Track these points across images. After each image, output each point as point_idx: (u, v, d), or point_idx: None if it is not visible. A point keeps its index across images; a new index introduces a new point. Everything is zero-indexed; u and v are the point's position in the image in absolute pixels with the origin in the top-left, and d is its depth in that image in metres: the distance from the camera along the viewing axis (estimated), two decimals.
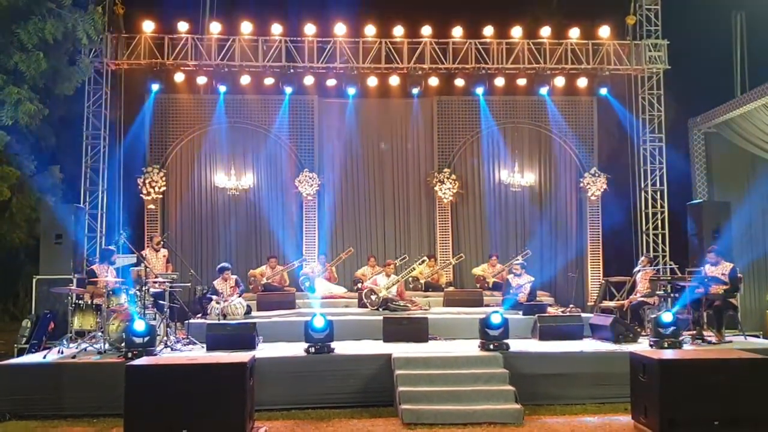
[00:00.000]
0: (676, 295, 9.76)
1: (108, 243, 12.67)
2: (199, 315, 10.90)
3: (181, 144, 14.10)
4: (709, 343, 9.18)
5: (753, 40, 13.77)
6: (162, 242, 12.17)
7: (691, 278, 9.87)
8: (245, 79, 13.64)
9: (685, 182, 14.29)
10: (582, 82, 14.04)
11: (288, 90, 13.64)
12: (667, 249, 13.81)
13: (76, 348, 8.54)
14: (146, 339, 8.13)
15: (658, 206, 13.99)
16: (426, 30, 13.57)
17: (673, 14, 13.99)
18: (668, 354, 7.42)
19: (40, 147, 14.74)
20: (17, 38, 10.37)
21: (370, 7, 13.87)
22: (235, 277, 11.34)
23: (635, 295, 11.04)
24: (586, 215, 14.42)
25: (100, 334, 8.66)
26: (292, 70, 13.46)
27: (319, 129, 14.40)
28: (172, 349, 8.94)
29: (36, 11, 10.48)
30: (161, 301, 9.54)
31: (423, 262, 12.68)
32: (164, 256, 11.97)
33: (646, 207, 14.05)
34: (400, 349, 8.55)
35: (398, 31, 13.53)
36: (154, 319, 8.96)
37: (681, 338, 8.82)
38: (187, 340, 9.44)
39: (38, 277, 11.42)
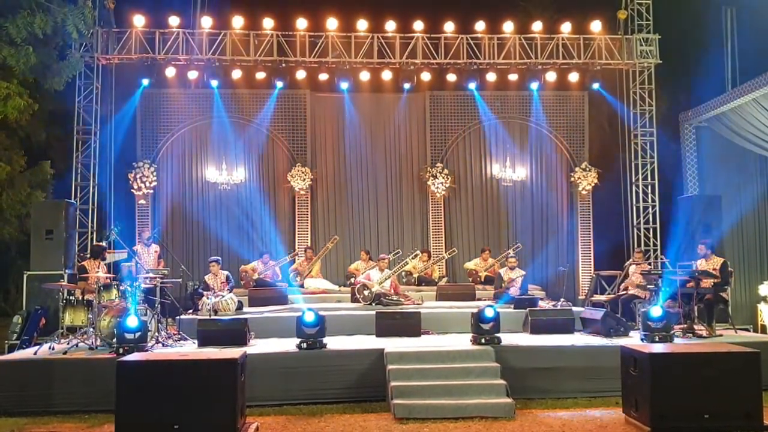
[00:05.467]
0: (667, 289, 9.82)
1: (99, 239, 12.63)
2: (190, 311, 10.87)
3: (171, 139, 14.05)
4: (700, 337, 9.21)
5: (743, 35, 13.81)
6: (152, 237, 12.13)
7: (682, 272, 9.90)
8: (237, 74, 13.59)
9: (676, 176, 14.35)
10: (573, 77, 14.04)
11: (280, 84, 13.62)
12: (658, 243, 13.88)
13: (67, 344, 8.50)
14: (137, 335, 8.11)
15: (649, 200, 14.05)
16: (418, 25, 13.56)
17: (664, 9, 14.02)
18: (659, 348, 7.43)
19: (30, 142, 14.69)
20: (6, 32, 10.31)
21: (362, 1, 13.86)
22: (225, 272, 11.29)
23: (626, 287, 11.06)
24: (577, 209, 14.47)
25: (91, 330, 8.63)
26: (283, 65, 13.43)
27: (311, 123, 14.37)
28: (163, 345, 8.91)
29: (25, 5, 10.42)
30: (152, 297, 9.51)
31: (416, 256, 12.69)
32: (155, 251, 11.94)
33: (637, 201, 14.09)
34: (392, 344, 8.56)
35: (390, 26, 13.51)
36: (145, 314, 8.92)
37: (672, 332, 8.85)
38: (179, 336, 9.42)
39: (29, 272, 11.38)
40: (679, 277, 9.73)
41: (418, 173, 14.49)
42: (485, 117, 14.58)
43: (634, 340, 8.82)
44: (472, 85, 13.88)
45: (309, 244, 13.81)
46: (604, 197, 14.48)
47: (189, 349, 8.68)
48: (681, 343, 8.59)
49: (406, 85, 13.80)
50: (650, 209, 14.03)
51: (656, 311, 8.76)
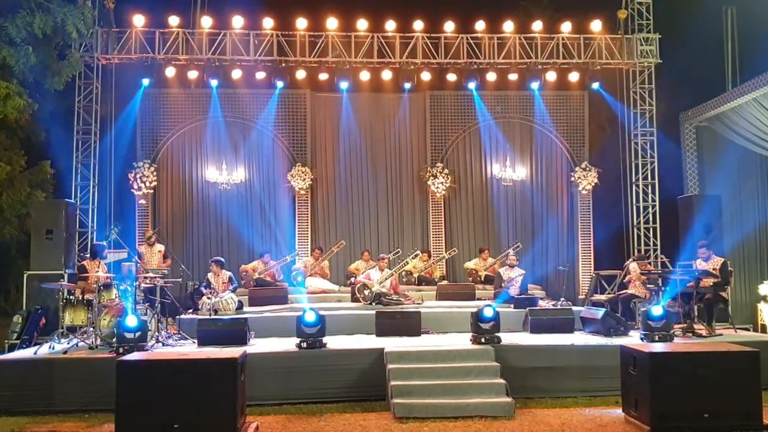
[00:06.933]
0: (667, 288, 9.81)
1: (99, 238, 12.63)
2: (191, 310, 10.87)
3: (172, 139, 14.05)
4: (700, 336, 9.21)
5: (744, 34, 13.80)
6: (152, 237, 12.14)
7: (682, 272, 9.89)
8: (236, 74, 13.59)
9: (676, 176, 14.34)
10: (573, 77, 14.05)
11: (280, 84, 13.62)
12: (659, 243, 13.87)
13: (68, 343, 8.53)
14: (137, 334, 8.12)
15: (649, 200, 14.05)
16: (418, 24, 13.57)
17: (664, 8, 14.02)
18: (659, 347, 7.43)
19: (30, 142, 14.68)
20: (5, 32, 10.32)
21: (362, 1, 13.86)
22: (229, 273, 11.29)
23: (630, 281, 11.03)
24: (578, 209, 14.45)
25: (91, 329, 8.64)
26: (283, 64, 13.44)
27: (311, 123, 14.37)
28: (163, 345, 8.92)
29: (25, 5, 10.42)
30: (152, 297, 9.52)
31: (416, 256, 12.70)
32: (160, 251, 11.95)
33: (637, 201, 14.09)
34: (392, 344, 8.57)
35: (390, 25, 13.52)
36: (146, 314, 8.93)
37: (671, 332, 8.85)
38: (179, 336, 9.43)
39: (29, 272, 11.39)
40: (680, 276, 9.72)
41: (418, 173, 14.48)
42: (485, 117, 14.57)
43: (633, 339, 8.82)
44: (472, 85, 13.88)
45: (318, 244, 13.80)
46: (604, 197, 14.48)
47: (189, 349, 8.69)
48: (681, 343, 8.59)
49: (406, 85, 13.80)
50: (650, 209, 14.03)
51: (657, 310, 8.76)
